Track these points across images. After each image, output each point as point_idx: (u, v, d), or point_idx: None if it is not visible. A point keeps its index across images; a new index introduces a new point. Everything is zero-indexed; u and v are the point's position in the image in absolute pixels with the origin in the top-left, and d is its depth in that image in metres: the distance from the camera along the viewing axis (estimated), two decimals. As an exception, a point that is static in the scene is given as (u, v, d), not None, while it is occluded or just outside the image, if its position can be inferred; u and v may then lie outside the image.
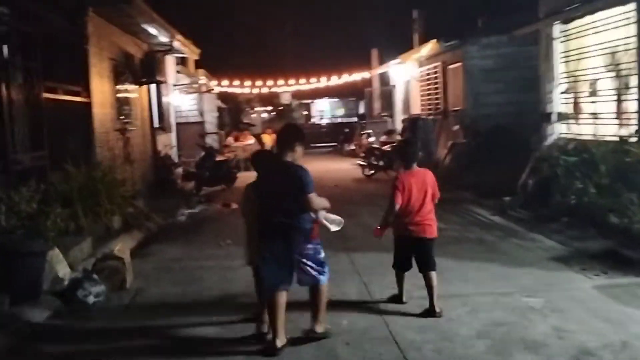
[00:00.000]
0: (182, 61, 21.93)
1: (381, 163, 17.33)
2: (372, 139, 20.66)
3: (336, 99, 46.49)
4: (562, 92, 10.47)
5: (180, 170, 15.74)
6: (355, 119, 37.19)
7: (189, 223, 11.59)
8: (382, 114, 25.30)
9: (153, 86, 15.33)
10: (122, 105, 12.09)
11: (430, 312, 5.55)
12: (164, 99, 16.42)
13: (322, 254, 5.13)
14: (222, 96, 29.31)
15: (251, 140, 22.28)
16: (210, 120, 20.83)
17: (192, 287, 6.97)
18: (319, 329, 5.10)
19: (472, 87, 15.33)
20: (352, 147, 25.05)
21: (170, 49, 15.04)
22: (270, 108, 42.76)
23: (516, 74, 14.93)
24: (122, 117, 12.03)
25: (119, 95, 11.94)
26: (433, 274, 5.67)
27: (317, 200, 4.97)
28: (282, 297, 4.95)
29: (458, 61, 15.91)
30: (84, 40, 10.10)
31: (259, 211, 5.09)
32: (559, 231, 8.57)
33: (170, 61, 18.30)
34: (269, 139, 23.02)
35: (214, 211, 12.94)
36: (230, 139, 21.84)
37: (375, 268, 7.15)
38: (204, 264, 8.03)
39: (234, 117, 37.91)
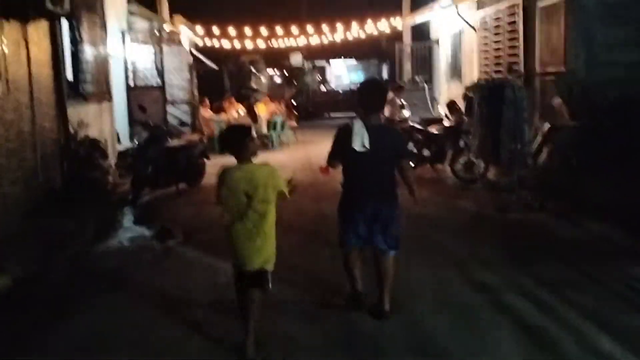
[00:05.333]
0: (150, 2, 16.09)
1: (426, 152, 11.45)
2: (407, 113, 14.67)
3: (355, 61, 40.41)
4: None
5: (109, 163, 9.95)
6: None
7: (53, 296, 5.79)
8: (419, 79, 19.23)
9: (65, 27, 9.51)
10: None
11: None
12: (91, 50, 10.53)
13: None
14: (218, 55, 23.46)
15: (240, 111, 16.41)
16: (179, 83, 14.93)
17: None
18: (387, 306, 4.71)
19: (585, 34, 9.34)
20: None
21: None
22: (278, 72, 36.72)
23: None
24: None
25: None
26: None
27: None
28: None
29: (558, -7, 9.88)
30: None
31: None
32: None
33: (114, -5, 12.43)
34: (265, 110, 17.11)
35: (140, 250, 7.16)
36: (205, 110, 15.88)
37: None
38: None
39: (236, 81, 32.06)
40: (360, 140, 4.50)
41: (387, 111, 14.02)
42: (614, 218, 7.01)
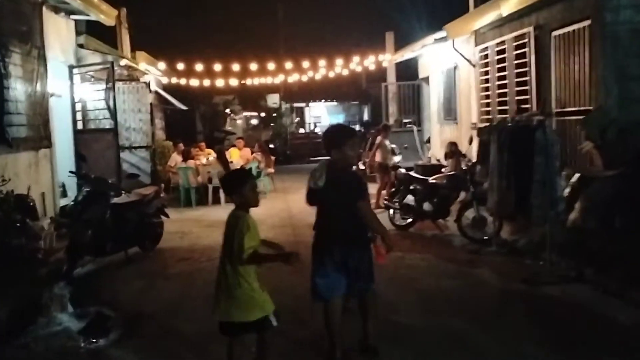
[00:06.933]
0: (109, 37, 14.48)
1: (427, 206, 9.75)
2: (397, 158, 13.08)
3: (335, 103, 39.07)
4: None
5: (41, 225, 8.06)
6: (357, 127, 29.60)
7: None
8: (406, 121, 17.69)
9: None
10: None
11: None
12: (24, 87, 8.75)
13: None
14: (189, 95, 21.86)
15: (210, 157, 14.68)
16: (137, 125, 13.15)
17: None
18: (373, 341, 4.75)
19: (615, 66, 7.82)
20: (361, 166, 17.13)
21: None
22: (253, 113, 35.23)
23: None
24: None
25: None
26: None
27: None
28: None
29: (580, 19, 8.38)
30: None
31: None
32: None
33: (60, 24, 10.74)
34: (237, 155, 15.39)
35: (60, 353, 5.26)
36: (175, 156, 14.13)
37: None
38: None
39: (209, 123, 30.45)
40: (318, 177, 4.54)
41: (378, 156, 12.46)
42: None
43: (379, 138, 12.57)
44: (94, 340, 5.36)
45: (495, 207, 7.56)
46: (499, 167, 7.20)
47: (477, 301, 6.12)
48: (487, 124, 9.38)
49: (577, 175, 7.64)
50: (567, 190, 7.61)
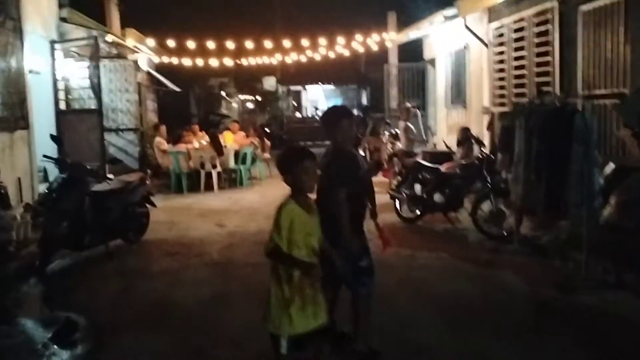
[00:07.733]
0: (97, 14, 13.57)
1: (438, 197, 8.96)
2: (400, 144, 12.32)
3: (332, 86, 38.10)
4: None
5: (13, 214, 7.22)
6: (355, 112, 28.69)
7: None
8: (410, 106, 16.83)
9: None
10: None
11: None
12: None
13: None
14: (184, 77, 20.88)
15: (203, 141, 13.80)
16: (124, 106, 12.26)
17: None
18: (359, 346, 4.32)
19: (656, 44, 7.02)
20: (360, 152, 16.31)
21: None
22: (249, 97, 34.25)
23: None
24: None
25: None
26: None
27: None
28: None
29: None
30: None
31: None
32: None
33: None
34: (232, 140, 14.53)
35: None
36: (159, 140, 13.15)
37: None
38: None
39: (204, 106, 29.50)
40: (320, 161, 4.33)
41: (402, 142, 11.84)
42: None
43: (402, 122, 11.94)
44: (58, 354, 4.56)
45: (521, 201, 6.76)
46: (526, 156, 6.38)
47: (504, 312, 5.32)
48: (507, 108, 8.55)
49: (611, 166, 6.85)
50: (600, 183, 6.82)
